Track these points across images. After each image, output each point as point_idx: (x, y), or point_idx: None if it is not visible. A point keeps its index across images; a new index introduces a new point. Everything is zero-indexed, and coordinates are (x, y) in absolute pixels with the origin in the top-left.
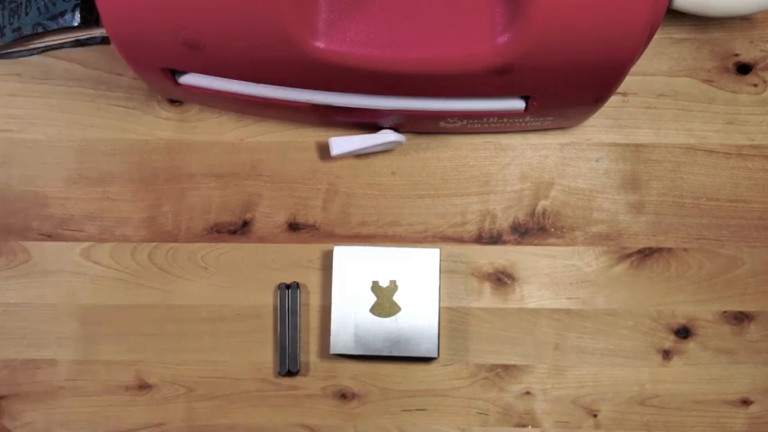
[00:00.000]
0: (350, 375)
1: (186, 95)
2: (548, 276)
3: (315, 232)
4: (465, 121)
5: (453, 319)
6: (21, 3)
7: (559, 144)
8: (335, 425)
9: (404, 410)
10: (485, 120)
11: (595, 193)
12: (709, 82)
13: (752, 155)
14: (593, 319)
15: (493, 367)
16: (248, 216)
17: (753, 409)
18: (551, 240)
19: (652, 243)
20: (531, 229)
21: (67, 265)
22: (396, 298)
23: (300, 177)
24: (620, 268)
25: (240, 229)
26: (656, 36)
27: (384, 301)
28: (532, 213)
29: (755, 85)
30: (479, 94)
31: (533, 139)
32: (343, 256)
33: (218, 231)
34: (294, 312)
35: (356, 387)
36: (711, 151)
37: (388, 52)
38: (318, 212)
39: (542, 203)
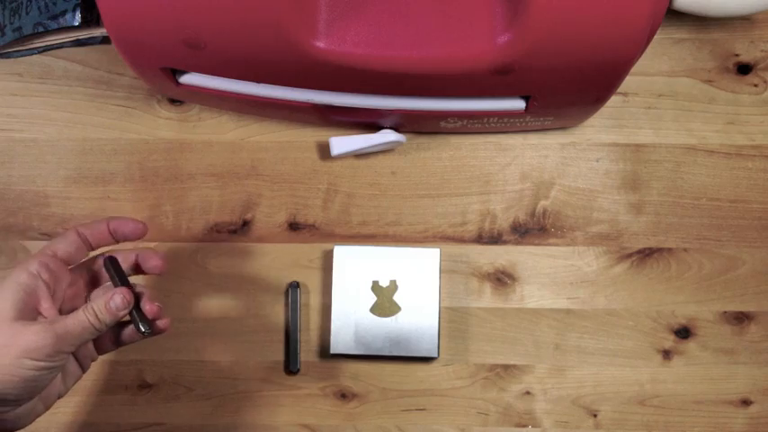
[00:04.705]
0: (350, 375)
1: (186, 95)
2: (548, 276)
3: (315, 232)
4: (465, 121)
5: (453, 319)
6: (21, 2)
7: (559, 144)
8: (335, 425)
9: (404, 410)
10: (485, 120)
11: (596, 193)
12: (709, 82)
13: (752, 155)
14: (593, 319)
15: (493, 367)
16: (248, 216)
17: (753, 409)
18: (551, 240)
19: (652, 243)
20: (532, 229)
21: None
22: (396, 298)
23: (300, 177)
24: (621, 268)
25: (240, 229)
26: (656, 36)
27: (384, 301)
28: (533, 213)
29: (756, 86)
30: (479, 94)
31: (533, 139)
32: (344, 255)
33: (219, 231)
34: (294, 312)
35: (356, 387)
36: (711, 151)
37: (388, 52)
38: (318, 212)
39: (542, 203)
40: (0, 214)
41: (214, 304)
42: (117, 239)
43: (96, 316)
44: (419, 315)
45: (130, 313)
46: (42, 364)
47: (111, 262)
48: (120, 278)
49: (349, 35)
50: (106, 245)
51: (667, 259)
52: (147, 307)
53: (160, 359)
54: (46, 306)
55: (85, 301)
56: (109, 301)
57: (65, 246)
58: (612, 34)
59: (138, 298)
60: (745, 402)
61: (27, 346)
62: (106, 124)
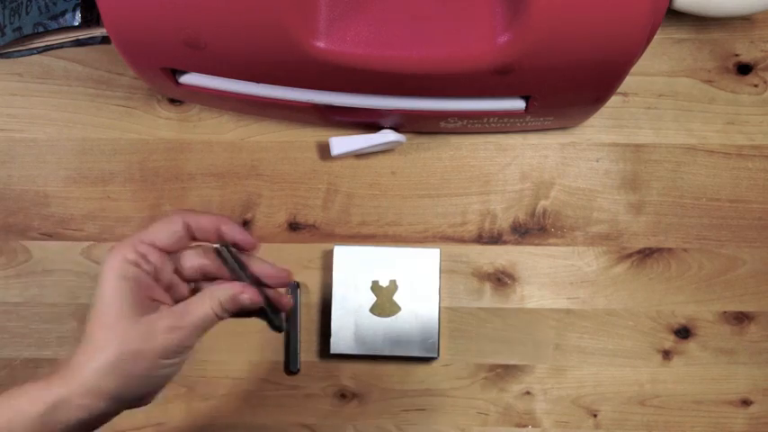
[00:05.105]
0: (350, 375)
1: (186, 95)
2: (548, 276)
3: (315, 232)
4: (465, 121)
5: (453, 319)
6: (21, 2)
7: (559, 144)
8: (335, 424)
9: (404, 410)
10: (485, 120)
11: (595, 193)
12: (709, 82)
13: (752, 155)
14: (593, 319)
15: (493, 367)
16: (248, 216)
17: (753, 409)
18: (551, 240)
19: (652, 243)
20: (532, 229)
21: (68, 265)
22: (396, 298)
23: (300, 177)
24: (621, 268)
25: None
26: (656, 36)
27: (384, 301)
28: (533, 213)
29: (756, 86)
30: (480, 94)
31: (533, 139)
32: (344, 255)
33: None
34: (294, 312)
35: (356, 387)
36: (711, 151)
37: (388, 52)
38: (318, 212)
39: (542, 203)
40: (0, 214)
41: None
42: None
43: (222, 307)
44: (419, 315)
45: (260, 308)
46: (176, 360)
47: (229, 250)
48: (243, 269)
49: (349, 35)
50: (209, 242)
51: (667, 259)
52: (284, 300)
53: None
54: (159, 293)
55: (188, 289)
56: (238, 295)
57: (166, 236)
58: (612, 34)
59: (262, 290)
60: (745, 402)
61: (160, 348)
62: (106, 124)
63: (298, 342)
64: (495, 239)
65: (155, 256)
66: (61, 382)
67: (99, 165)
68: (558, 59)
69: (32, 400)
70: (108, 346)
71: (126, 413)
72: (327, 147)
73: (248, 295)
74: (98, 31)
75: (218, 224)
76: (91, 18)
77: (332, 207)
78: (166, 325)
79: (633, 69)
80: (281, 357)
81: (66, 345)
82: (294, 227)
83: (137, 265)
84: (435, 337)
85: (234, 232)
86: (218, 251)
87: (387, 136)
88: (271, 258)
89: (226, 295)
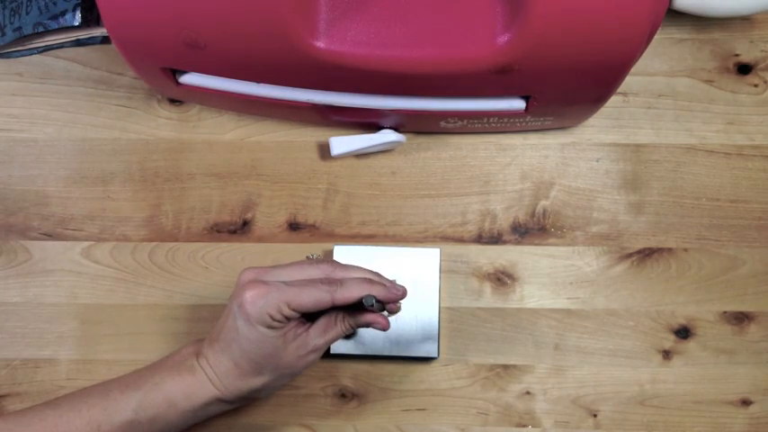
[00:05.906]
0: (350, 375)
1: (187, 95)
2: (548, 276)
3: (315, 232)
4: (465, 121)
5: (453, 319)
6: (21, 2)
7: (559, 144)
8: (335, 424)
9: (404, 410)
10: (485, 120)
11: (596, 193)
12: (709, 82)
13: (752, 155)
14: (593, 319)
15: (493, 367)
16: (248, 216)
17: (753, 409)
18: (551, 240)
19: (652, 243)
20: (532, 229)
21: (68, 265)
22: None
23: (300, 177)
24: (621, 268)
25: (240, 229)
26: (656, 36)
27: None
28: (533, 213)
29: (756, 86)
30: (480, 94)
31: (533, 139)
32: (343, 255)
33: (219, 231)
34: None
35: (356, 387)
36: (712, 151)
37: (388, 52)
38: (318, 212)
39: (542, 203)
40: (0, 214)
41: (214, 305)
42: None
43: (351, 328)
44: (419, 315)
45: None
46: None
47: (375, 300)
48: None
49: (349, 35)
50: None
51: (667, 259)
52: (395, 308)
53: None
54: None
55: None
56: (373, 323)
57: (312, 306)
58: (612, 34)
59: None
60: (745, 402)
61: (305, 365)
62: (106, 124)
63: None
64: (495, 239)
65: (295, 315)
66: (213, 387)
67: (99, 165)
68: (557, 60)
69: (189, 398)
70: (263, 374)
71: None
72: (327, 147)
73: (381, 325)
74: (98, 31)
75: (367, 292)
76: (91, 18)
77: (332, 207)
78: (310, 349)
79: (633, 69)
80: None
81: (65, 345)
82: (294, 227)
83: (280, 322)
84: (435, 337)
85: (383, 294)
86: (368, 302)
87: (387, 136)
88: (271, 258)
89: (358, 321)
